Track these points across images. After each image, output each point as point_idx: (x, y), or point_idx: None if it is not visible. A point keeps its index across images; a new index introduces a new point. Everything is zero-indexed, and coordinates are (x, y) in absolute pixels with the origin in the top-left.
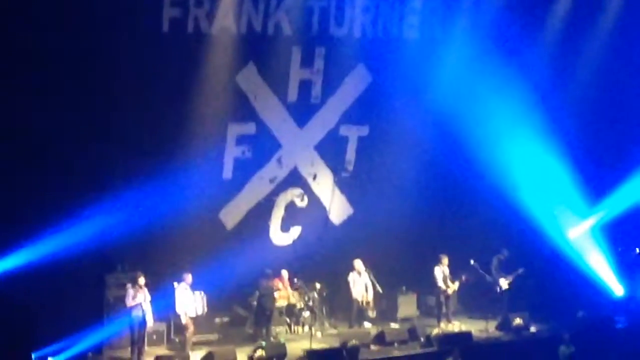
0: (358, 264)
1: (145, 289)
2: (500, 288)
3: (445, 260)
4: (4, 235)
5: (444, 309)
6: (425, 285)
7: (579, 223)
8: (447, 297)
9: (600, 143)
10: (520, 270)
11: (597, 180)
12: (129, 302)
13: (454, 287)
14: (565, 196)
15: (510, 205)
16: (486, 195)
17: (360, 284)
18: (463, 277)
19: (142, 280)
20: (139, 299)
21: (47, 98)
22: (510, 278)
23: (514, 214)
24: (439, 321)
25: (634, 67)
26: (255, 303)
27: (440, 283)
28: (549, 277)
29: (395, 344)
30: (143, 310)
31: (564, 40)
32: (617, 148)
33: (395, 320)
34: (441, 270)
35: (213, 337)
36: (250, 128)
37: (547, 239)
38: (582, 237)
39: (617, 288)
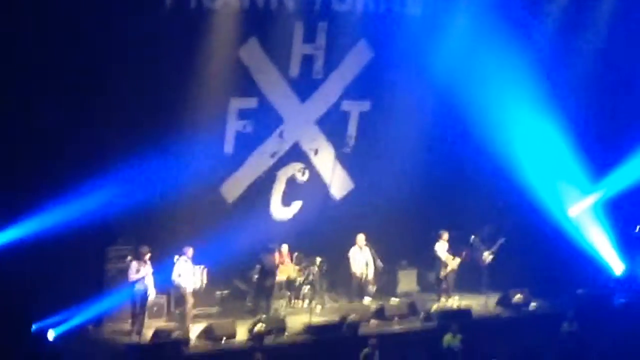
0: (360, 238)
1: (149, 263)
2: (484, 262)
3: (445, 236)
4: (6, 208)
5: (444, 285)
6: (425, 260)
7: (580, 200)
8: (447, 272)
9: (604, 119)
10: (502, 240)
11: (600, 156)
12: (133, 275)
13: (454, 263)
14: (567, 172)
15: (512, 181)
16: (488, 171)
17: (361, 258)
18: (464, 253)
19: (145, 254)
20: (143, 272)
21: (49, 72)
22: (493, 250)
23: (515, 190)
24: (438, 297)
25: None
26: (255, 277)
27: (444, 258)
28: (549, 253)
29: (395, 319)
30: (145, 284)
31: (569, 13)
32: (621, 124)
33: (395, 295)
34: (442, 246)
35: (213, 310)
36: (252, 102)
37: (548, 215)
38: (583, 214)
39: (617, 266)
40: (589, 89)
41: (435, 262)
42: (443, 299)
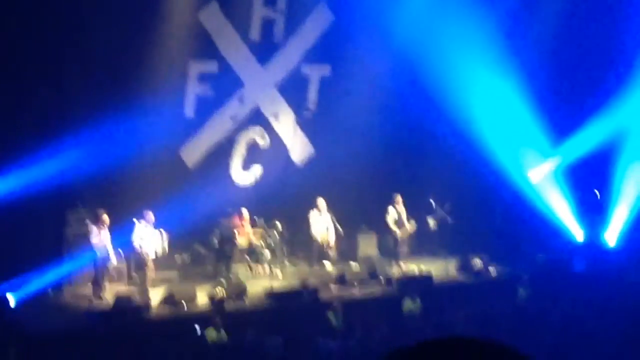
0: (321, 202)
1: (107, 226)
2: (429, 227)
3: (398, 199)
4: None
5: (399, 249)
6: (385, 225)
7: (541, 164)
8: (403, 236)
9: (566, 81)
10: (446, 206)
11: (561, 120)
12: (93, 239)
13: (409, 227)
14: (528, 136)
15: (473, 145)
16: (448, 136)
17: (321, 223)
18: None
19: (105, 217)
20: (102, 235)
21: (8, 32)
22: (436, 215)
23: (475, 154)
24: (396, 261)
25: (604, 3)
26: (215, 242)
27: (392, 224)
28: (509, 218)
29: (355, 284)
30: (105, 248)
31: None
32: (584, 87)
33: (355, 260)
34: (395, 210)
35: (173, 274)
36: (212, 66)
37: (508, 180)
38: (543, 180)
39: (577, 232)
40: (551, 49)
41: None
42: (401, 263)
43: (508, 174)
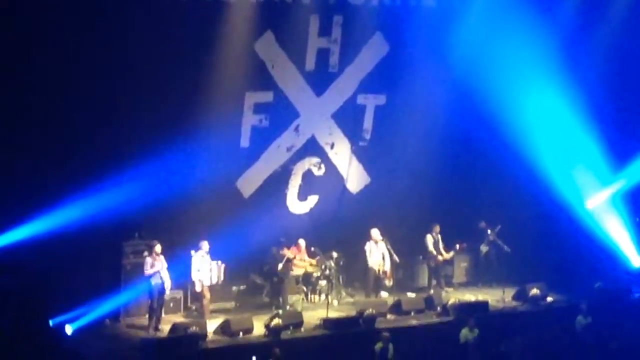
0: (375, 232)
1: (162, 257)
2: (481, 254)
3: (437, 229)
4: (23, 204)
5: (440, 276)
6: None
7: (599, 190)
8: (438, 264)
9: (627, 106)
10: (497, 228)
11: (620, 146)
12: (147, 270)
13: (447, 255)
14: (587, 161)
15: (530, 170)
16: (506, 161)
17: (377, 252)
18: (458, 246)
19: (158, 248)
20: (157, 267)
21: (67, 68)
22: (487, 241)
23: (533, 179)
24: (440, 288)
25: None
26: (271, 271)
27: (431, 248)
28: (567, 246)
29: (412, 313)
30: (161, 278)
31: None
32: None
33: (412, 289)
34: (432, 238)
35: (230, 305)
36: (268, 96)
37: (566, 206)
38: (601, 206)
39: (635, 259)
40: (611, 70)
41: (425, 254)
42: (449, 290)
43: (565, 200)
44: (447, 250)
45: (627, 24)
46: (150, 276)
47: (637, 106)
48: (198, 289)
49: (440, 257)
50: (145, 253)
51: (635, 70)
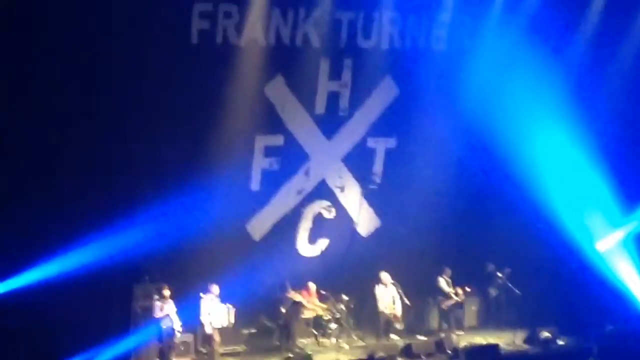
0: (384, 276)
1: (171, 301)
2: (491, 296)
3: (448, 272)
4: (32, 247)
5: (450, 319)
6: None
7: (610, 232)
8: (449, 306)
9: (637, 147)
10: (506, 271)
11: (633, 187)
12: (157, 313)
13: (456, 297)
14: (598, 203)
15: (541, 213)
16: (518, 204)
17: (387, 296)
18: (467, 289)
19: (166, 292)
20: (166, 310)
21: (75, 111)
22: (497, 284)
23: (544, 223)
24: (451, 331)
25: None
26: (282, 314)
27: (448, 290)
28: (578, 288)
29: (423, 357)
30: (171, 321)
31: (601, 37)
32: None
33: (422, 333)
34: (444, 280)
35: (240, 348)
36: (278, 140)
37: (576, 247)
38: (612, 248)
39: None
40: (623, 115)
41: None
42: (460, 333)
43: (576, 242)
44: (456, 293)
45: (638, 62)
46: (160, 319)
47: None
48: (208, 331)
49: (451, 300)
50: (155, 296)
51: None
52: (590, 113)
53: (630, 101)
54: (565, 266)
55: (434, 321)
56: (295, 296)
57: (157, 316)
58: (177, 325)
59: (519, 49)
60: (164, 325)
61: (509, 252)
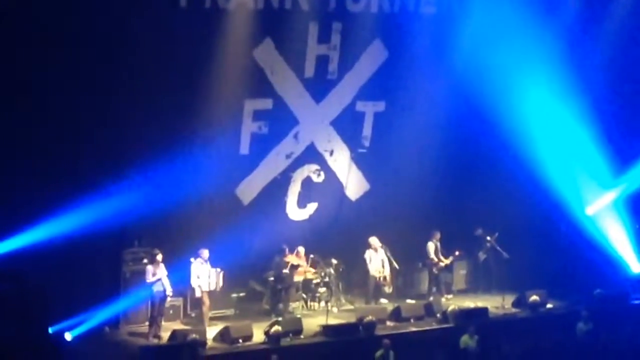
0: (374, 240)
1: (163, 265)
2: (479, 260)
3: (437, 236)
4: (22, 212)
5: (440, 283)
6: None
7: (600, 195)
8: (438, 270)
9: (631, 109)
10: (495, 236)
11: (623, 149)
12: (149, 278)
13: (446, 261)
14: (588, 166)
15: (532, 176)
16: (508, 167)
17: (377, 260)
18: (457, 252)
19: (159, 257)
20: (159, 274)
21: (64, 74)
22: (485, 248)
23: (534, 186)
24: (440, 294)
25: None
26: (271, 279)
27: (432, 255)
28: (566, 252)
29: (412, 320)
30: (163, 285)
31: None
32: None
33: (411, 296)
34: (433, 245)
35: (229, 312)
36: (267, 103)
37: (566, 211)
38: (601, 212)
39: (635, 265)
40: (615, 76)
41: (426, 261)
42: (449, 297)
43: (566, 205)
44: (446, 256)
45: (631, 22)
46: (152, 284)
47: None
48: (198, 295)
49: (441, 264)
50: (146, 261)
51: (639, 71)
52: (583, 75)
53: (623, 62)
54: (554, 230)
55: (423, 285)
56: (293, 259)
57: (148, 280)
58: (169, 289)
59: (510, 9)
60: (156, 289)
61: (499, 216)
